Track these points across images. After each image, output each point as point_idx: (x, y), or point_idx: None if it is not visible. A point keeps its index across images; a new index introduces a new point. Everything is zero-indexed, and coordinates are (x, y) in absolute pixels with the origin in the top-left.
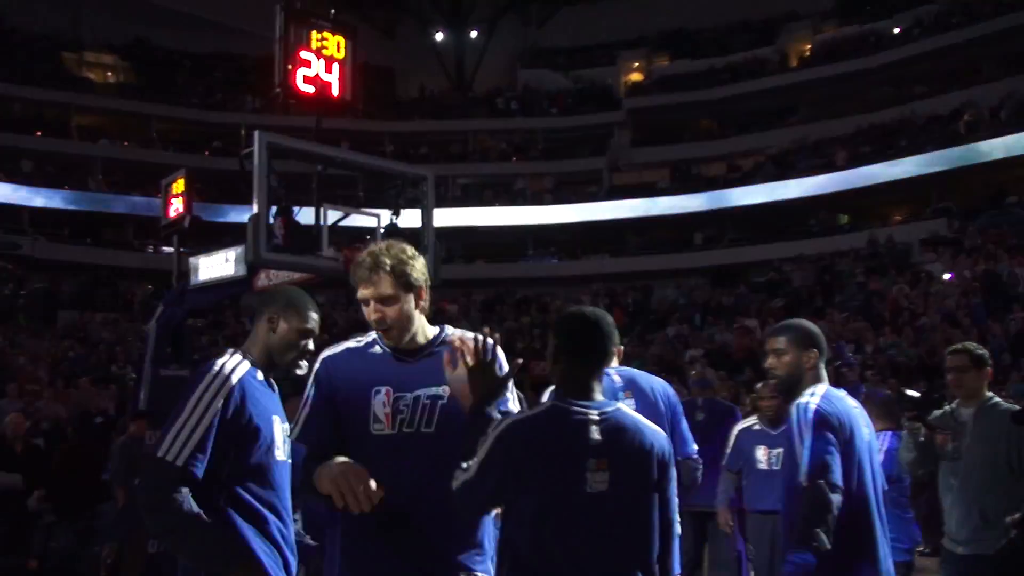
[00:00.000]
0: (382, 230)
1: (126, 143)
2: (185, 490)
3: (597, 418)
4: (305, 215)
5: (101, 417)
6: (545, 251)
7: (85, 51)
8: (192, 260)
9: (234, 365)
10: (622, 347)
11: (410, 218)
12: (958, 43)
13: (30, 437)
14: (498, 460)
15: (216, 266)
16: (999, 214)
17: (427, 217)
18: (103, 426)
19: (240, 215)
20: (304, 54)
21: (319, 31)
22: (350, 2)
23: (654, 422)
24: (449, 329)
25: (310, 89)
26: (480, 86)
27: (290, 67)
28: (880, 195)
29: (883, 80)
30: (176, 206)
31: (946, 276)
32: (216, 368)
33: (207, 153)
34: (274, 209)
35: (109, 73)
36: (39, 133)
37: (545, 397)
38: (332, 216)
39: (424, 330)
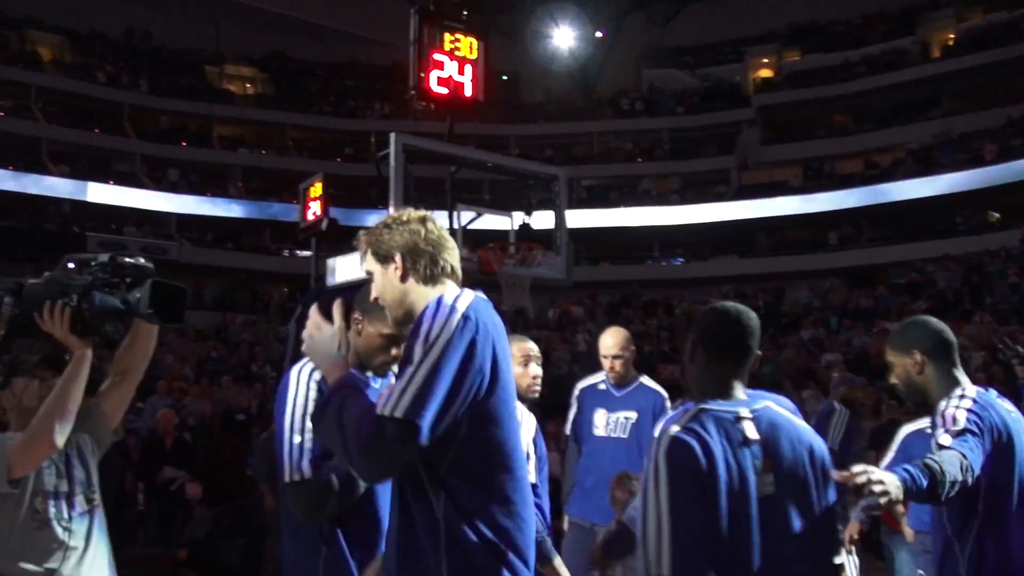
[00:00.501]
0: (515, 230)
1: (263, 151)
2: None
3: (750, 415)
4: (438, 220)
5: (242, 414)
6: (671, 252)
7: (226, 64)
8: (329, 262)
9: (309, 372)
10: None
11: (541, 219)
12: None
13: (179, 432)
14: (686, 481)
15: (352, 267)
16: None
17: (559, 217)
18: (244, 423)
19: (372, 219)
20: (438, 56)
21: (452, 32)
22: (474, 6)
23: None
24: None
25: (443, 91)
26: (604, 87)
27: (424, 70)
28: None
29: None
30: (314, 209)
31: None
32: (292, 383)
33: (339, 160)
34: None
35: (248, 84)
36: (184, 143)
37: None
38: (464, 217)
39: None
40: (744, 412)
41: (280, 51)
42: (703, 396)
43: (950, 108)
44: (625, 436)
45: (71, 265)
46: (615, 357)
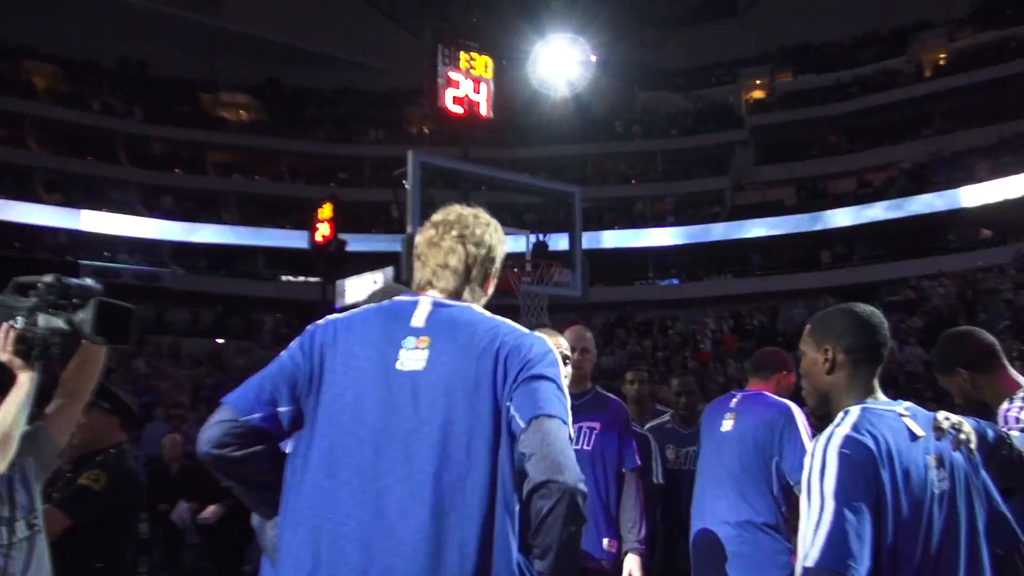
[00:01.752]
0: (531, 249)
1: (257, 177)
2: None
3: (906, 412)
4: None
5: None
6: (666, 273)
7: (220, 91)
8: (339, 284)
9: None
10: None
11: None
12: None
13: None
14: (857, 474)
15: (364, 289)
16: None
17: (575, 235)
18: None
19: (362, 244)
20: (453, 74)
21: (467, 52)
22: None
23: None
24: None
25: (459, 109)
26: (598, 110)
27: (439, 88)
28: None
29: None
30: (323, 231)
31: None
32: None
33: (333, 185)
34: None
35: (242, 111)
36: (178, 170)
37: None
38: None
39: None
40: (900, 409)
41: (274, 78)
42: (854, 402)
43: (942, 127)
44: (588, 448)
45: (18, 287)
46: (583, 351)
